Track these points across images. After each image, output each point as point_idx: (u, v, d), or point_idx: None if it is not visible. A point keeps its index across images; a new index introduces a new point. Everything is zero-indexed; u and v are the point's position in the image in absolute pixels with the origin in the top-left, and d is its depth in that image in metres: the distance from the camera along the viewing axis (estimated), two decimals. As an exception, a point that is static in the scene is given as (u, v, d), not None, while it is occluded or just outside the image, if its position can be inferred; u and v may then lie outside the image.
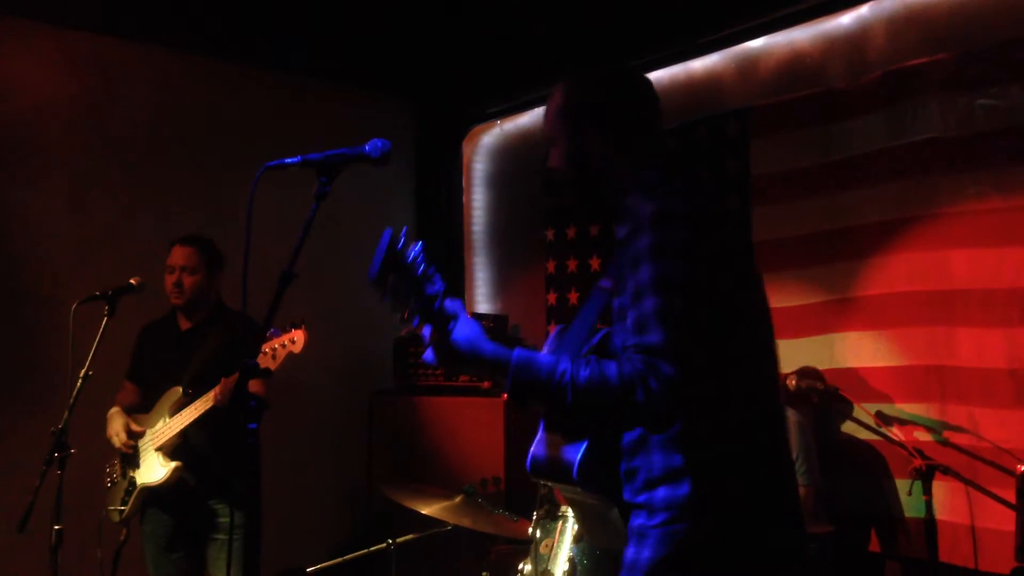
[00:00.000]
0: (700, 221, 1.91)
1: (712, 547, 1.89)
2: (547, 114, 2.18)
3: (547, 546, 3.35)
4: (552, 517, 3.40)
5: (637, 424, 1.90)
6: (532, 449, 2.08)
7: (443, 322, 1.88)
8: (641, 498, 1.95)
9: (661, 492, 1.91)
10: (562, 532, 3.36)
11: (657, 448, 1.94)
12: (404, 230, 1.84)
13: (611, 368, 1.79)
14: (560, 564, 3.28)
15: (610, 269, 2.11)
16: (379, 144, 2.11)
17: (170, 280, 3.92)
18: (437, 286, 1.85)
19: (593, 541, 2.14)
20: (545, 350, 2.10)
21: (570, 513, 3.34)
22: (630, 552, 1.95)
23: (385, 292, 1.80)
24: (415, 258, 1.82)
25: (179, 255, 3.94)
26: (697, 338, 1.81)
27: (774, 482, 1.98)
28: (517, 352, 1.87)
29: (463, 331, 1.89)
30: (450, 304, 1.90)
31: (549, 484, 2.13)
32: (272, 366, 3.53)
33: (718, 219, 1.96)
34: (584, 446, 1.96)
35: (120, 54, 4.91)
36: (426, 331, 1.90)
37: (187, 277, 3.91)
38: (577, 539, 3.29)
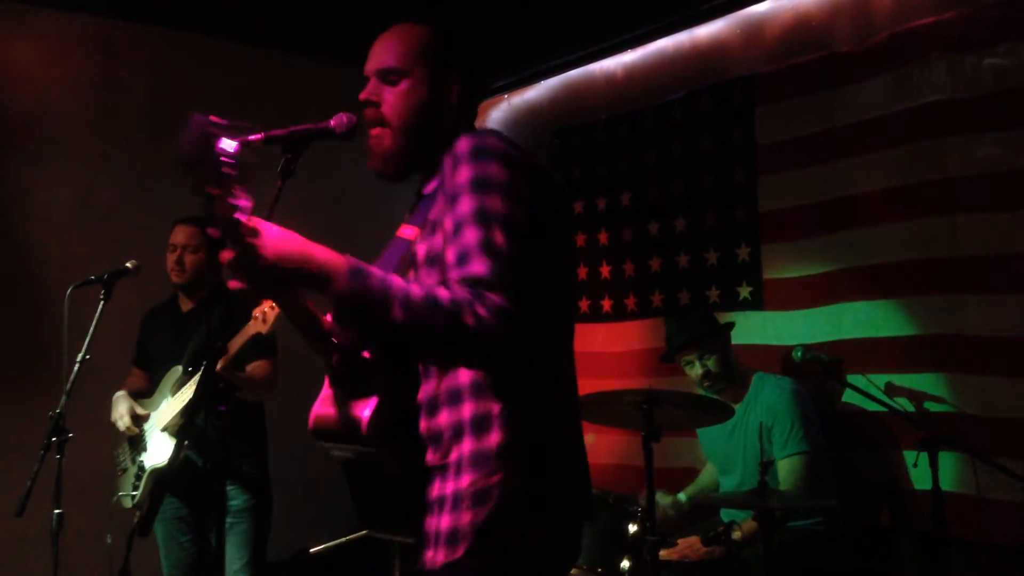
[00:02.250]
0: (518, 161, 1.85)
1: (530, 498, 1.81)
2: (393, 48, 2.02)
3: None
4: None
5: (468, 352, 1.74)
6: (315, 407, 1.92)
7: (249, 231, 1.65)
8: (450, 457, 1.84)
9: (470, 446, 1.82)
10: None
11: (469, 397, 1.84)
12: (216, 119, 1.68)
13: (440, 290, 1.70)
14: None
15: (412, 219, 2.01)
16: (344, 119, 2.05)
17: (171, 258, 3.92)
18: (242, 202, 1.65)
19: (373, 527, 1.99)
20: None
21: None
22: (443, 520, 1.83)
23: (195, 185, 1.62)
24: (228, 155, 1.65)
25: (180, 234, 3.93)
26: (523, 271, 1.74)
27: (577, 436, 1.95)
28: (350, 257, 1.72)
29: (276, 232, 1.69)
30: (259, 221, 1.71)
31: (332, 446, 1.93)
32: (263, 329, 3.48)
33: (535, 168, 1.90)
34: (375, 401, 1.81)
35: (121, 35, 4.90)
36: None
37: (188, 256, 3.91)
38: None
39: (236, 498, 3.91)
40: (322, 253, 1.70)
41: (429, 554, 1.86)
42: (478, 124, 6.38)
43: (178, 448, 3.66)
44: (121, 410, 3.86)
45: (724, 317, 4.18)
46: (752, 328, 4.32)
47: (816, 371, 3.80)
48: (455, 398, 1.86)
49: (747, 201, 4.42)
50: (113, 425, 3.90)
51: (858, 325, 3.97)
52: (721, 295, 4.52)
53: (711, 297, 4.55)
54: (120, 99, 4.90)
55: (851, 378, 3.80)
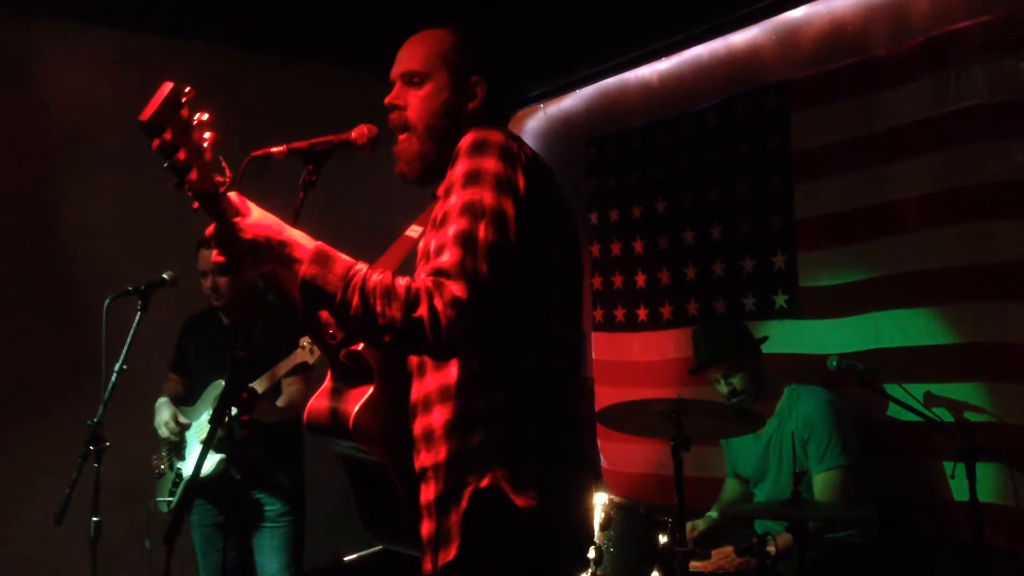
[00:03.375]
0: (517, 156, 1.84)
1: (504, 500, 1.76)
2: (417, 52, 2.05)
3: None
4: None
5: (415, 343, 1.72)
6: (311, 401, 1.95)
7: (229, 208, 1.73)
8: (441, 456, 1.83)
9: (456, 444, 1.81)
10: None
11: (457, 396, 1.82)
12: (189, 89, 1.70)
13: (402, 280, 1.71)
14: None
15: (420, 218, 2.03)
16: (364, 130, 2.07)
17: (205, 284, 3.98)
18: (224, 177, 1.72)
19: (380, 536, 2.00)
20: None
21: (596, 500, 3.29)
22: (436, 524, 1.81)
23: (161, 147, 1.64)
24: (199, 123, 1.68)
25: (205, 258, 3.97)
26: (495, 265, 1.73)
27: (564, 441, 1.89)
28: (320, 243, 1.77)
29: (258, 212, 1.76)
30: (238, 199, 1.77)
31: (327, 441, 1.95)
32: (310, 360, 3.59)
33: (539, 165, 1.89)
34: (365, 396, 1.82)
35: (160, 50, 4.96)
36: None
37: (219, 279, 3.94)
38: (603, 526, 3.24)
39: (271, 506, 3.96)
40: (296, 236, 1.76)
41: (427, 560, 1.85)
42: (514, 132, 6.39)
43: (220, 464, 3.75)
44: (165, 416, 3.93)
45: (760, 325, 4.14)
46: (788, 337, 4.27)
47: (852, 380, 3.74)
48: (446, 396, 1.85)
49: (783, 208, 4.38)
50: (155, 430, 3.97)
51: (895, 333, 3.91)
52: (757, 303, 4.48)
53: (747, 305, 4.51)
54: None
55: (888, 388, 3.74)
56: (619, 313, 5.19)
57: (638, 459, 4.73)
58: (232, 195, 1.75)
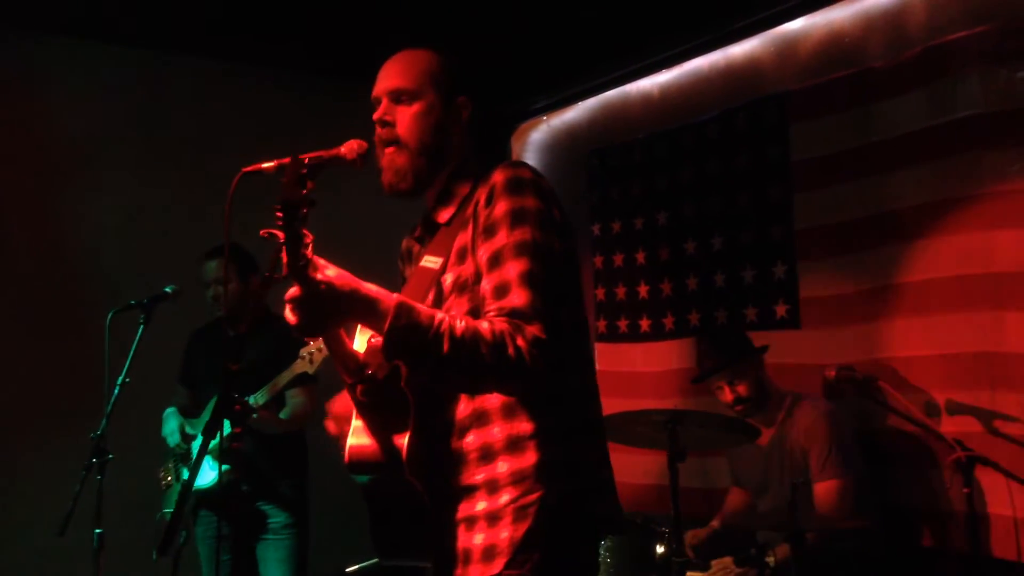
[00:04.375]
0: (547, 190, 1.95)
1: (567, 513, 1.88)
2: (406, 71, 2.09)
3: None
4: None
5: (506, 381, 1.83)
6: (349, 440, 1.97)
7: (316, 265, 1.74)
8: (479, 477, 1.90)
9: (504, 465, 1.88)
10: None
11: (498, 419, 1.90)
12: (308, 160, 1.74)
13: (483, 324, 1.78)
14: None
15: (433, 248, 2.06)
16: (355, 145, 2.10)
17: (209, 295, 4.04)
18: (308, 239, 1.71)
19: (387, 555, 2.03)
20: None
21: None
22: (476, 538, 1.89)
23: (287, 215, 1.64)
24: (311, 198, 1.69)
25: (211, 269, 4.04)
26: (558, 301, 1.84)
27: (603, 451, 2.03)
28: (398, 295, 1.81)
29: (333, 270, 1.79)
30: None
31: (369, 477, 1.98)
32: (309, 370, 3.63)
33: (556, 195, 1.99)
34: (411, 429, 1.85)
35: (165, 67, 5.02)
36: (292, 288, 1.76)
37: (221, 289, 4.01)
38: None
39: (276, 518, 4.00)
40: (372, 290, 1.80)
41: (459, 571, 1.91)
42: (517, 145, 6.45)
43: (225, 476, 3.78)
44: (172, 427, 3.99)
45: (761, 336, 4.14)
46: (788, 347, 4.27)
47: (852, 390, 3.75)
48: (483, 420, 1.92)
49: (783, 219, 4.39)
50: (162, 441, 4.01)
51: (895, 343, 3.92)
52: (758, 314, 4.48)
53: (748, 316, 4.51)
54: (164, 127, 5.01)
55: (887, 398, 3.75)
56: (622, 324, 5.21)
57: (639, 470, 4.73)
58: (313, 256, 1.75)
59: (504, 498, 1.88)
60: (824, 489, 3.59)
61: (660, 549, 3.33)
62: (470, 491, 1.92)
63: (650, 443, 3.50)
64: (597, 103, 5.63)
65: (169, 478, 4.08)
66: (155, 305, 3.73)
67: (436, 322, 1.77)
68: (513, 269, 1.83)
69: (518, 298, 1.80)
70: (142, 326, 3.67)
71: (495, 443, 1.90)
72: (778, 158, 4.42)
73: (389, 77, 2.11)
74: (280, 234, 1.65)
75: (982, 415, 3.59)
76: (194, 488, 3.89)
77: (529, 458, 1.88)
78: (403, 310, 1.76)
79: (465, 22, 4.72)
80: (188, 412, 4.12)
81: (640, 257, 5.13)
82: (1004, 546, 3.44)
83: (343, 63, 5.21)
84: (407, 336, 1.76)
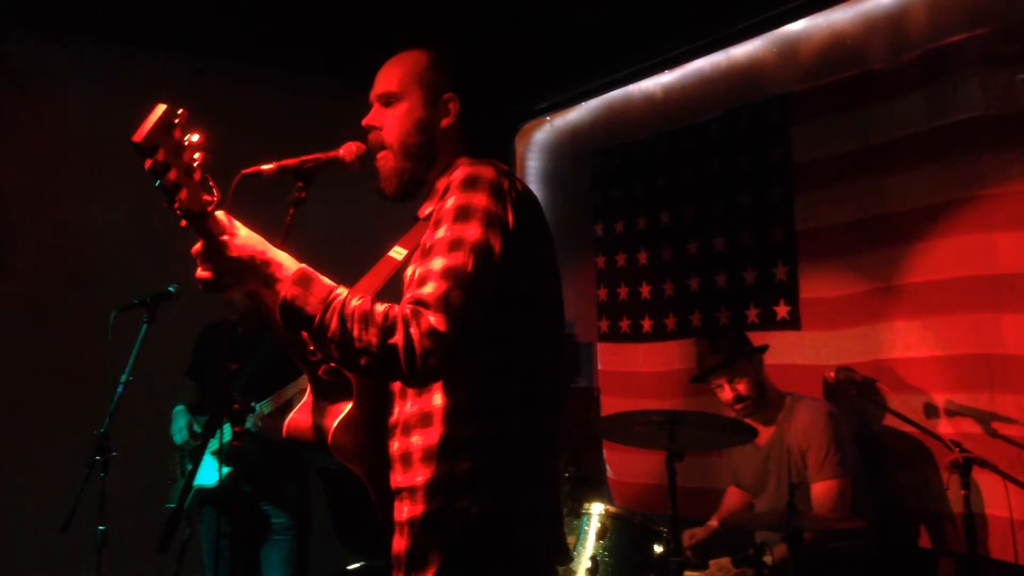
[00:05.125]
0: (507, 192, 1.88)
1: (492, 530, 1.83)
2: (392, 74, 2.11)
3: (569, 544, 3.34)
4: (575, 515, 3.39)
5: (390, 368, 1.74)
6: (291, 415, 1.99)
7: (216, 227, 1.77)
8: (418, 479, 1.86)
9: (438, 469, 1.84)
10: (584, 530, 3.34)
11: (440, 423, 1.86)
12: (182, 111, 1.74)
13: (381, 307, 1.75)
14: (583, 562, 3.26)
15: (405, 240, 2.06)
16: (353, 147, 2.12)
17: (220, 299, 4.04)
18: (213, 196, 1.75)
19: (351, 547, 2.05)
20: None
21: (593, 510, 3.33)
22: (408, 544, 1.86)
23: (153, 167, 1.68)
24: (190, 144, 1.72)
25: None
26: (476, 300, 1.76)
27: (552, 470, 1.96)
28: (305, 265, 1.81)
29: (244, 232, 1.79)
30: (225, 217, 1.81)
31: (305, 455, 2.02)
32: None
33: (528, 200, 1.93)
34: (344, 413, 1.85)
35: (173, 69, 5.03)
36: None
37: (233, 292, 4.00)
38: (600, 535, 3.27)
39: (278, 518, 4.02)
40: (280, 257, 1.80)
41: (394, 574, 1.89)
42: (521, 145, 6.45)
43: (228, 477, 3.80)
44: (180, 424, 4.01)
45: (762, 337, 4.16)
46: (789, 348, 4.29)
47: (851, 391, 3.76)
48: (427, 421, 1.88)
49: (784, 220, 4.40)
50: (170, 437, 4.04)
51: (895, 344, 3.93)
52: (759, 315, 4.50)
53: (749, 317, 4.53)
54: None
55: (887, 399, 3.76)
56: (624, 324, 5.22)
57: (641, 469, 4.75)
58: (220, 214, 1.79)
59: (434, 504, 1.84)
60: (822, 489, 3.60)
61: (658, 549, 3.35)
62: (408, 492, 1.88)
63: (649, 443, 3.51)
64: (600, 104, 5.65)
65: (175, 474, 4.10)
66: (158, 304, 3.74)
67: (331, 297, 1.75)
68: (439, 262, 1.78)
69: (430, 287, 1.75)
70: (145, 324, 3.69)
71: (433, 446, 1.85)
72: (780, 159, 4.43)
73: (379, 82, 2.13)
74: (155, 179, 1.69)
75: (981, 417, 3.60)
76: (197, 486, 3.92)
77: (461, 465, 1.83)
78: (302, 279, 1.77)
79: (469, 22, 4.75)
80: (196, 409, 4.14)
81: (642, 257, 5.14)
82: (1001, 547, 3.44)
83: (347, 64, 5.23)
84: (300, 306, 1.76)
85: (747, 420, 3.77)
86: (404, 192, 2.10)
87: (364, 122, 2.12)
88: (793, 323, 4.34)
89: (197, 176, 1.74)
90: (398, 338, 1.70)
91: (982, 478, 3.47)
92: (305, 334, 1.83)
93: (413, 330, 1.70)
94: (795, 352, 4.29)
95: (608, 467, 5.26)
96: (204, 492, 3.97)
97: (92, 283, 4.62)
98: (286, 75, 5.37)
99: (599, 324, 5.39)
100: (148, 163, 1.69)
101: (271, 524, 4.03)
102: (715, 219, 4.75)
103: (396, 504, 1.91)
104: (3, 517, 4.33)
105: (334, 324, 1.73)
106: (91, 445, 3.47)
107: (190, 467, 4.03)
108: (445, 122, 2.10)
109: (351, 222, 4.84)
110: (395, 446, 1.93)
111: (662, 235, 5.03)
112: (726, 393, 3.85)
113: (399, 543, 1.89)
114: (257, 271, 1.79)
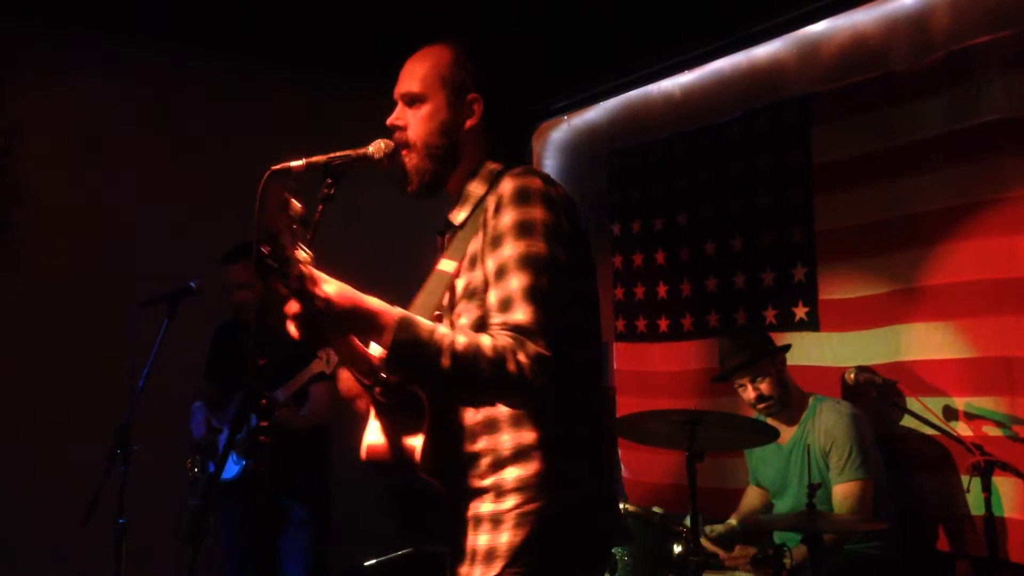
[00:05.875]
0: (557, 201, 1.94)
1: (567, 524, 1.90)
2: (415, 73, 2.10)
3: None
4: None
5: (507, 396, 1.86)
6: (366, 437, 2.00)
7: (315, 281, 1.74)
8: (488, 481, 1.93)
9: (511, 472, 1.91)
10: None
11: (507, 428, 1.93)
12: (295, 166, 1.76)
13: (485, 339, 1.80)
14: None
15: (450, 252, 2.07)
16: (381, 145, 2.12)
17: (232, 299, 4.07)
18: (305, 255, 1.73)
19: (409, 541, 2.05)
20: None
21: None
22: (481, 539, 1.93)
23: (272, 254, 1.64)
24: (296, 215, 1.69)
25: (230, 274, 4.06)
26: (562, 315, 1.84)
27: (608, 463, 2.09)
28: (400, 309, 1.82)
29: (333, 285, 1.78)
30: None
31: (385, 475, 2.03)
32: (327, 370, 3.66)
33: (570, 201, 1.99)
34: (425, 432, 1.88)
35: (193, 63, 5.04)
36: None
37: (244, 293, 4.03)
38: (619, 536, 3.27)
39: (297, 511, 4.03)
40: (374, 305, 1.80)
41: (464, 569, 1.95)
42: (538, 145, 6.44)
43: (247, 469, 3.83)
44: (199, 420, 4.03)
45: (780, 338, 4.15)
46: (808, 349, 4.28)
47: (871, 393, 3.76)
48: (492, 427, 1.94)
49: (803, 221, 4.39)
50: (189, 433, 4.06)
51: (915, 347, 3.92)
52: (777, 315, 4.49)
53: (767, 318, 4.52)
54: (192, 121, 5.05)
55: (907, 401, 3.75)
56: (640, 324, 5.22)
57: (657, 469, 4.75)
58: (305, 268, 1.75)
59: (508, 503, 1.91)
60: (844, 491, 3.59)
61: (677, 548, 3.35)
62: (479, 493, 1.95)
63: (668, 443, 3.51)
64: (618, 103, 5.64)
65: (196, 470, 4.12)
66: (179, 299, 3.77)
67: (437, 337, 1.78)
68: (517, 282, 1.84)
69: (522, 313, 1.81)
70: (167, 319, 3.71)
71: (503, 451, 1.92)
72: (799, 160, 4.42)
73: (402, 80, 2.14)
74: (271, 262, 1.65)
75: (1001, 420, 3.59)
76: (219, 480, 3.94)
77: (533, 467, 1.90)
78: (404, 325, 1.78)
79: (486, 20, 4.75)
80: (215, 407, 4.16)
81: (660, 257, 5.14)
82: (1021, 551, 3.44)
83: (367, 63, 5.25)
84: (408, 351, 1.77)
85: (769, 420, 3.77)
86: (426, 191, 2.12)
87: (388, 122, 2.12)
88: (812, 324, 4.33)
89: (300, 243, 1.71)
90: (510, 369, 1.76)
91: (1002, 481, 3.46)
92: (376, 358, 1.89)
93: (521, 358, 1.77)
94: (813, 353, 4.28)
95: (623, 466, 5.26)
96: (224, 485, 3.98)
97: (113, 278, 4.64)
98: (307, 73, 5.37)
99: (615, 323, 5.39)
100: (266, 249, 1.66)
101: (290, 516, 4.04)
102: (733, 220, 4.74)
103: (471, 503, 1.96)
104: (24, 510, 4.35)
105: (446, 363, 1.76)
106: (112, 438, 3.49)
107: (212, 465, 4.05)
108: (469, 123, 2.10)
109: (375, 217, 4.86)
110: (463, 450, 1.97)
111: (680, 235, 5.03)
112: (748, 393, 3.85)
113: (470, 538, 1.95)
114: (359, 321, 1.79)
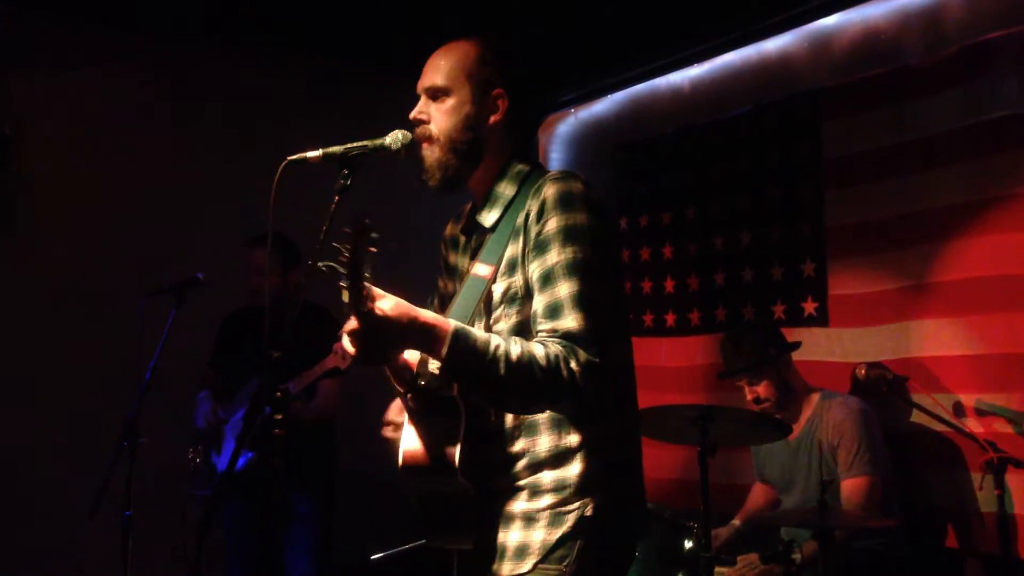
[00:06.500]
0: (597, 205, 1.96)
1: (602, 523, 1.92)
2: (440, 67, 2.09)
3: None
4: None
5: (558, 403, 1.87)
6: (403, 444, 2.01)
7: (373, 296, 1.75)
8: (523, 481, 1.95)
9: (548, 474, 1.93)
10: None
11: (545, 430, 1.94)
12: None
13: (538, 347, 1.82)
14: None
15: (485, 256, 2.06)
16: (399, 135, 2.10)
17: (249, 283, 4.05)
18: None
19: (436, 540, 2.08)
20: None
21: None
22: (512, 536, 1.95)
23: (352, 288, 1.68)
24: (372, 240, 1.71)
25: (251, 258, 4.04)
26: (611, 320, 1.88)
27: (639, 458, 2.07)
28: (454, 321, 1.83)
29: (390, 301, 1.78)
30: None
31: (421, 481, 2.03)
32: (342, 365, 3.65)
33: (605, 205, 2.01)
34: (462, 438, 1.90)
35: (202, 51, 5.01)
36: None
37: (263, 280, 4.00)
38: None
39: (302, 505, 4.01)
40: (428, 318, 1.81)
41: (494, 564, 1.96)
42: (545, 137, 6.39)
43: (251, 461, 3.81)
44: (205, 409, 4.01)
45: (788, 333, 4.13)
46: (817, 345, 4.26)
47: (881, 389, 3.74)
48: (530, 430, 1.96)
49: (813, 216, 4.37)
50: (192, 422, 4.04)
51: (926, 343, 3.89)
52: (786, 311, 4.47)
53: (776, 313, 4.50)
54: (200, 111, 5.03)
55: (917, 397, 3.73)
56: (648, 318, 5.20)
57: (665, 464, 4.73)
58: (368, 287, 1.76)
59: (544, 502, 1.93)
60: (852, 486, 3.58)
61: (688, 544, 3.33)
62: (513, 492, 1.97)
63: (677, 438, 3.50)
64: (626, 96, 5.61)
65: (199, 460, 4.11)
66: (186, 290, 3.75)
67: (492, 347, 1.80)
68: (565, 289, 1.86)
69: (572, 320, 1.84)
70: (175, 310, 3.69)
71: (541, 452, 1.94)
72: (809, 155, 4.39)
73: (427, 74, 2.12)
74: (344, 287, 1.69)
75: (1013, 417, 3.57)
76: (222, 472, 3.92)
77: (573, 468, 1.93)
78: (460, 336, 1.79)
79: (494, 13, 4.73)
80: (220, 396, 4.15)
81: (667, 252, 5.11)
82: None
83: (384, 53, 5.23)
84: (465, 362, 1.80)
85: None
86: (447, 186, 2.11)
87: (412, 115, 2.11)
88: (821, 319, 4.31)
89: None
90: (564, 376, 1.80)
91: (1013, 479, 3.44)
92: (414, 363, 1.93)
93: (574, 366, 1.80)
94: (822, 348, 4.26)
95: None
96: (228, 478, 3.96)
97: (119, 269, 4.63)
98: (323, 61, 5.35)
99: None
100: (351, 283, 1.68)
101: (295, 510, 4.02)
102: (742, 214, 4.72)
103: (503, 502, 1.98)
104: (31, 502, 4.34)
105: (502, 373, 1.79)
106: (119, 430, 3.48)
107: (215, 454, 4.04)
108: (493, 118, 2.09)
109: (391, 208, 4.84)
110: (498, 451, 1.98)
111: (687, 230, 5.00)
112: (747, 394, 3.84)
113: (501, 534, 1.96)
114: (416, 335, 1.80)
